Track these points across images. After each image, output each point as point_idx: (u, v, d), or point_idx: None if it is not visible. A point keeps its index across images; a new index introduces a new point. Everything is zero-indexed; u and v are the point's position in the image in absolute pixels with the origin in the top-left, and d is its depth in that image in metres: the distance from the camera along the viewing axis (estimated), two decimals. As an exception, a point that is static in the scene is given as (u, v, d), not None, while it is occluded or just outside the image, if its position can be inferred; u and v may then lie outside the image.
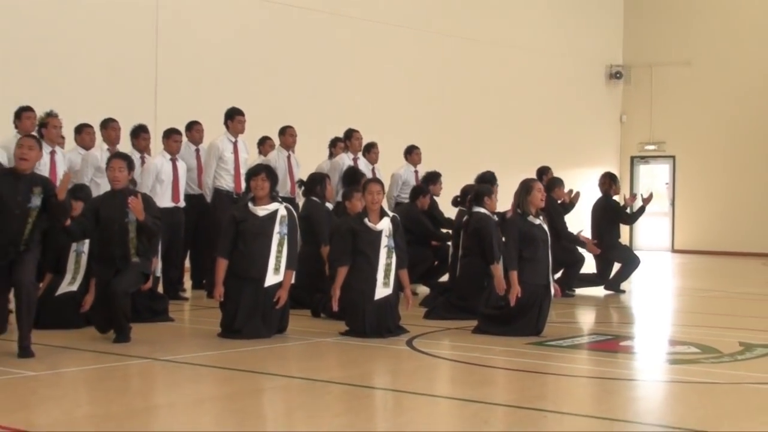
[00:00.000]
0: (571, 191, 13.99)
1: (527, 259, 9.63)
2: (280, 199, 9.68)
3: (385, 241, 9.58)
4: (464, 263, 11.34)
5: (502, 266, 9.86)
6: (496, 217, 11.47)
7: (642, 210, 14.99)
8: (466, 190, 12.60)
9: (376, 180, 10.27)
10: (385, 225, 9.64)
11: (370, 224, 9.60)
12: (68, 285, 9.85)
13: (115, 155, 9.72)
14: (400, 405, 6.75)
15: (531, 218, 9.78)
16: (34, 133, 11.35)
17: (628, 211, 14.75)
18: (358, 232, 9.59)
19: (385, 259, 9.56)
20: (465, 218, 11.61)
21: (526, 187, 9.87)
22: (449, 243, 13.03)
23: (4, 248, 8.16)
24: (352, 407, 6.60)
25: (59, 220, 8.43)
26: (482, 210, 11.22)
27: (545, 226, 9.94)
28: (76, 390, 7.20)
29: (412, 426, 6.05)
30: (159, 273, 11.21)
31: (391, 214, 9.91)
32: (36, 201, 8.28)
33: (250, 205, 9.45)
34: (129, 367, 7.86)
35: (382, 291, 9.49)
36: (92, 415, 6.18)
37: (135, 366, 7.91)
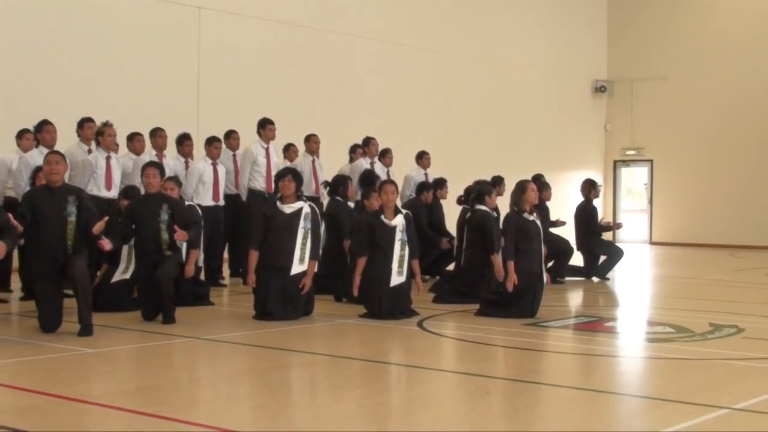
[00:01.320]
0: (558, 220, 14.10)
1: (522, 251, 9.64)
2: (304, 198, 9.69)
3: (399, 235, 9.58)
4: (468, 254, 11.35)
5: (501, 257, 9.84)
6: (495, 214, 11.49)
7: (609, 229, 15.52)
8: (468, 190, 12.63)
9: (390, 181, 10.27)
10: (399, 221, 9.64)
11: (385, 220, 9.61)
12: (121, 274, 9.90)
13: (149, 164, 9.75)
14: (412, 378, 6.74)
15: (526, 215, 9.78)
16: (78, 143, 11.46)
17: (602, 222, 14.77)
18: (375, 227, 9.60)
19: (399, 251, 9.56)
20: (468, 215, 11.64)
21: (521, 188, 9.90)
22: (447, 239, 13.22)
23: (54, 254, 8.20)
24: (370, 380, 6.60)
25: (90, 227, 8.40)
26: (483, 207, 11.25)
27: (538, 222, 9.94)
28: (128, 365, 7.22)
29: (423, 396, 6.04)
30: (201, 263, 11.23)
31: (404, 211, 9.91)
32: (71, 209, 8.30)
33: (278, 203, 9.48)
34: (174, 345, 7.87)
35: (396, 279, 9.50)
36: (142, 387, 6.19)
37: (179, 344, 7.92)
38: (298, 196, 9.54)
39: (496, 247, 10.41)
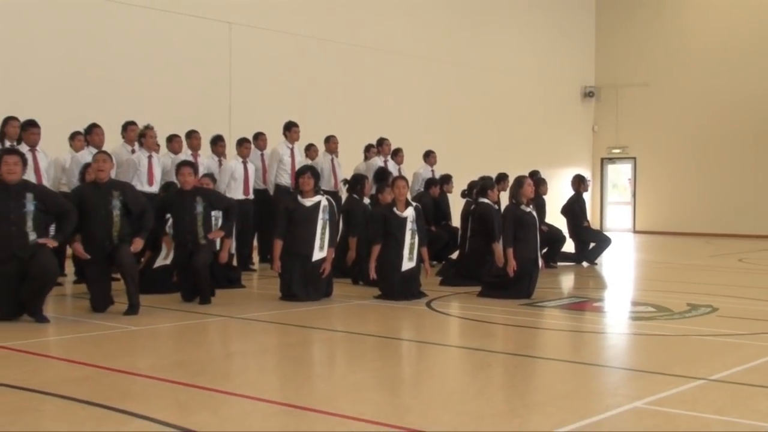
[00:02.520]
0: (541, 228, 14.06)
1: (520, 239, 9.64)
2: (322, 192, 9.71)
3: (409, 225, 9.59)
4: (471, 242, 11.36)
5: (501, 245, 9.83)
6: (496, 206, 11.49)
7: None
8: (471, 185, 12.64)
9: (402, 177, 10.28)
10: (409, 213, 9.65)
11: (397, 212, 9.61)
12: (163, 259, 9.90)
13: (183, 163, 9.75)
14: (421, 352, 6.74)
15: (523, 207, 9.78)
16: (123, 144, 11.49)
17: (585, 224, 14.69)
18: (388, 218, 9.61)
19: (410, 240, 9.57)
20: (472, 207, 11.65)
21: (519, 183, 9.91)
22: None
23: (102, 244, 8.24)
24: (384, 354, 6.61)
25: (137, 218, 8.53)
26: (486, 200, 11.24)
27: (534, 213, 9.93)
28: (169, 340, 7.24)
29: (431, 368, 6.04)
30: (234, 250, 11.25)
31: (414, 204, 9.91)
32: (116, 203, 8.35)
33: (299, 197, 9.49)
34: (210, 323, 7.89)
35: (407, 264, 9.51)
36: (181, 361, 6.21)
37: (214, 322, 7.94)
38: (317, 191, 9.56)
39: (496, 236, 10.40)
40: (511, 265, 9.50)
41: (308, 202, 9.45)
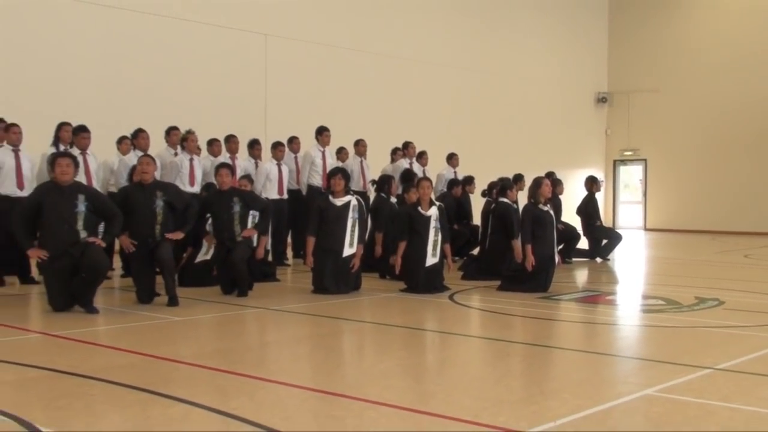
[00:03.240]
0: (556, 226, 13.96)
1: (538, 237, 9.61)
2: (352, 193, 9.72)
3: (433, 223, 9.58)
4: (491, 239, 11.34)
5: (520, 241, 9.80)
6: (515, 205, 11.46)
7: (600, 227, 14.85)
8: (491, 185, 12.61)
9: (426, 178, 10.26)
10: (433, 212, 9.63)
11: (422, 211, 9.60)
12: (203, 255, 9.96)
13: (221, 165, 9.78)
14: (444, 342, 6.73)
15: (541, 206, 9.74)
16: (167, 147, 11.56)
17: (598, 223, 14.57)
18: (413, 216, 9.60)
19: (433, 237, 9.55)
20: (492, 206, 11.63)
21: (537, 183, 9.88)
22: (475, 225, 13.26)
23: (144, 240, 8.30)
24: (410, 344, 6.61)
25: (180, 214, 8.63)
26: (505, 200, 11.22)
27: (551, 212, 9.89)
28: (209, 330, 7.28)
29: (453, 357, 6.04)
30: (269, 247, 11.29)
31: (437, 203, 9.90)
32: (159, 202, 8.41)
33: (330, 197, 9.51)
34: (247, 315, 7.92)
35: (431, 260, 9.50)
36: (220, 349, 6.23)
37: (251, 313, 7.97)
38: (347, 191, 9.57)
39: (515, 233, 10.37)
40: (529, 261, 9.46)
41: (339, 201, 9.46)
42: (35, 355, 5.79)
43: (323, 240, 9.38)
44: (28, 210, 7.75)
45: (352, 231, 9.42)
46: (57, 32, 14.31)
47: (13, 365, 5.30)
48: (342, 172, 9.66)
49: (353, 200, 9.53)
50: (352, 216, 9.44)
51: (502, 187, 11.53)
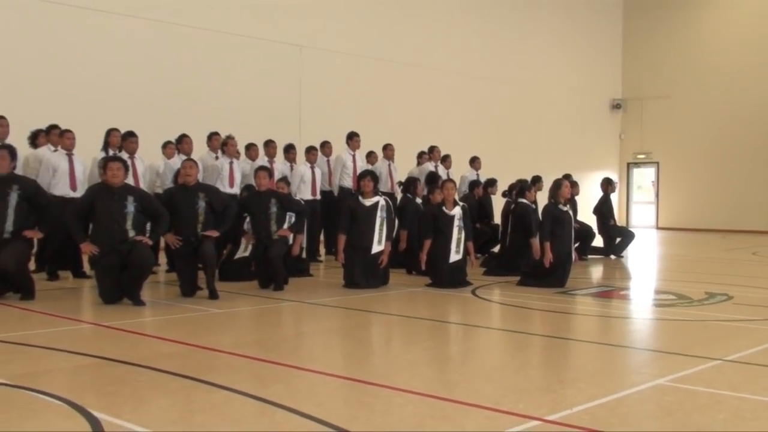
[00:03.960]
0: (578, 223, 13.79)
1: (556, 235, 9.56)
2: (380, 193, 9.73)
3: (456, 222, 9.56)
4: (511, 237, 11.30)
5: (539, 239, 9.76)
6: (534, 206, 11.41)
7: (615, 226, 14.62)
8: (511, 187, 12.57)
9: (450, 180, 10.24)
10: (456, 211, 9.62)
11: (446, 210, 9.60)
12: (242, 252, 9.98)
13: (260, 168, 9.83)
14: (467, 334, 6.72)
15: (561, 206, 9.69)
16: (208, 152, 11.61)
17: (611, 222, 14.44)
18: (438, 216, 9.60)
19: (457, 235, 9.54)
20: (512, 206, 11.59)
21: (557, 184, 9.85)
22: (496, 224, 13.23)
23: (188, 238, 8.35)
24: (435, 335, 6.60)
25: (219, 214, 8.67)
26: (524, 200, 11.17)
27: (570, 212, 9.85)
28: (247, 322, 7.30)
29: (475, 348, 6.03)
30: (304, 244, 11.32)
31: (461, 203, 9.88)
32: (201, 203, 8.45)
33: (360, 198, 9.53)
34: (282, 307, 7.95)
35: (454, 256, 9.48)
36: (258, 339, 6.26)
37: (287, 306, 8.00)
38: (376, 192, 9.58)
39: (534, 232, 10.32)
40: (547, 258, 9.42)
41: (368, 202, 9.48)
42: (87, 344, 5.84)
43: (353, 238, 9.39)
44: (81, 209, 7.84)
45: (380, 229, 9.43)
46: (108, 47, 14.46)
47: (67, 353, 5.36)
48: (371, 175, 9.68)
49: (381, 201, 9.54)
50: (380, 215, 9.45)
51: (521, 188, 11.49)
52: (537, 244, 9.89)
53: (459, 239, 9.54)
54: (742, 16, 24.25)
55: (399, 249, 10.99)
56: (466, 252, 9.66)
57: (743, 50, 23.99)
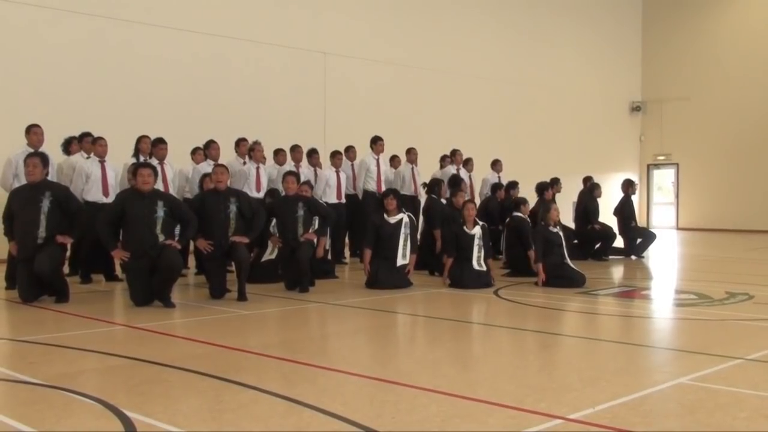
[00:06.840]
0: (594, 227, 13.66)
1: (548, 254, 9.69)
2: (403, 210, 9.80)
3: (476, 240, 9.71)
4: (510, 254, 11.46)
5: (532, 261, 9.90)
6: (528, 219, 11.44)
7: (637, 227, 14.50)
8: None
9: (471, 201, 10.34)
10: (476, 231, 9.75)
11: (467, 230, 9.74)
12: (269, 255, 10.04)
13: (289, 173, 9.87)
14: (490, 334, 6.70)
15: (551, 228, 9.85)
16: (236, 157, 11.68)
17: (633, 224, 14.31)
18: (459, 235, 9.68)
19: (477, 252, 9.68)
20: (507, 220, 11.65)
21: (546, 208, 10.20)
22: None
23: (219, 242, 8.38)
24: (458, 335, 6.58)
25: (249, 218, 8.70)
26: (519, 214, 11.30)
27: (560, 233, 10.00)
28: (274, 323, 7.32)
29: (498, 347, 6.00)
30: (328, 246, 11.34)
31: (481, 223, 9.90)
32: (233, 207, 8.48)
33: (384, 215, 9.63)
34: (309, 308, 7.96)
35: (476, 269, 9.55)
36: (285, 339, 6.28)
37: (313, 307, 8.01)
38: (399, 209, 9.67)
39: (530, 244, 10.35)
40: (540, 278, 9.55)
41: (393, 219, 9.66)
42: (119, 345, 5.89)
43: (379, 251, 9.59)
44: (112, 215, 7.90)
45: (404, 245, 9.65)
46: (139, 58, 14.58)
47: (99, 354, 5.40)
48: (394, 193, 9.82)
49: (405, 217, 9.71)
50: (404, 232, 9.65)
51: (515, 203, 11.52)
52: (534, 256, 9.89)
53: (479, 257, 9.67)
54: (760, 18, 24.02)
55: (436, 249, 10.94)
56: (488, 267, 9.74)
57: (761, 52, 23.78)
